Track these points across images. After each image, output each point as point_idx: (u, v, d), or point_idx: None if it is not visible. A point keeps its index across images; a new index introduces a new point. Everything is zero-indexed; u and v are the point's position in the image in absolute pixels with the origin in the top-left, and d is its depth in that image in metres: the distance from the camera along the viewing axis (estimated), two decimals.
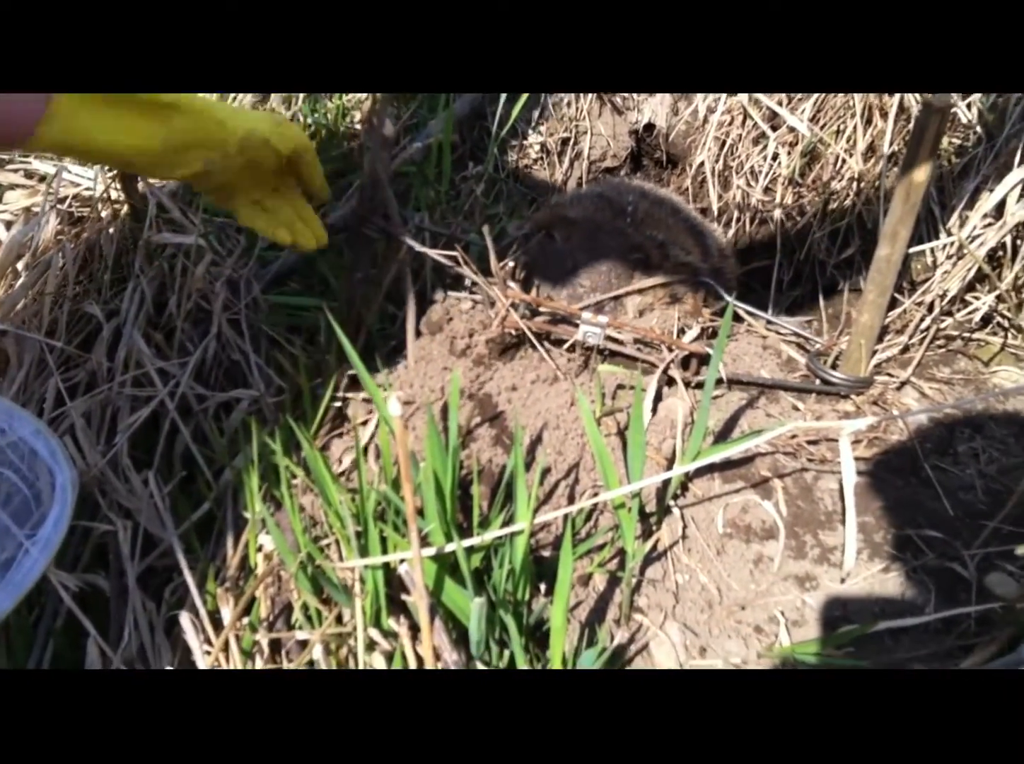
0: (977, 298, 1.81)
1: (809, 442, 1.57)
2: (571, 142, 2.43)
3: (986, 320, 1.83)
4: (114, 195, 1.97)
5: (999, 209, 1.74)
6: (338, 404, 1.60)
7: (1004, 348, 1.79)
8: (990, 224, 1.74)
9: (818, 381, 1.68)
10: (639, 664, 1.24)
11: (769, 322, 1.83)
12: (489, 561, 1.23)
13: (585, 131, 2.43)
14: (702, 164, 2.23)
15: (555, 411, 1.55)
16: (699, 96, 2.29)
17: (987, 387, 1.73)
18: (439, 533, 1.21)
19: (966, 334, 1.82)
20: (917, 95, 1.91)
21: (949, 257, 1.79)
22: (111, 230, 1.95)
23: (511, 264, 1.75)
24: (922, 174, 1.49)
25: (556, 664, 1.14)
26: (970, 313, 1.81)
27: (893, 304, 1.80)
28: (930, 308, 1.79)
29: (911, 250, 1.74)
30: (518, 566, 1.17)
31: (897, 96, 1.95)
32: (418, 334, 1.75)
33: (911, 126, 1.61)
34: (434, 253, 1.66)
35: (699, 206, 2.27)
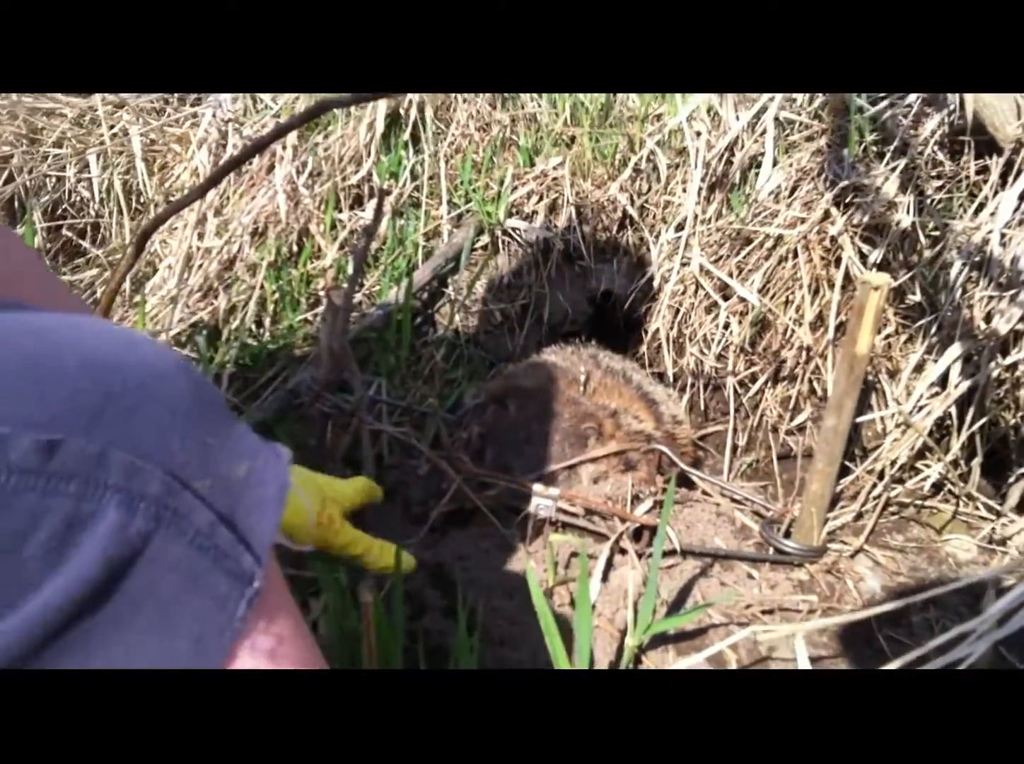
0: (928, 465, 1.83)
1: (764, 612, 1.56)
2: (530, 308, 2.49)
3: (937, 487, 1.85)
4: None
5: (944, 379, 1.78)
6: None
7: (955, 516, 1.81)
8: (936, 394, 1.78)
9: (771, 550, 1.68)
10: None
11: (724, 489, 1.84)
12: None
13: (544, 297, 2.49)
14: (657, 331, 2.29)
15: (509, 581, 1.54)
16: (654, 265, 2.37)
17: (940, 556, 1.73)
18: None
19: (918, 501, 1.83)
20: (861, 268, 1.98)
21: (898, 425, 1.83)
22: None
23: (464, 435, 1.77)
24: (864, 348, 1.53)
25: None
26: (921, 481, 1.83)
27: (845, 471, 1.82)
28: (880, 476, 1.81)
29: (860, 419, 1.77)
30: None
31: (843, 267, 2.03)
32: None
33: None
34: (389, 429, 1.69)
35: (655, 371, 2.31)
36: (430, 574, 1.57)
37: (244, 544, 0.56)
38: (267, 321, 2.34)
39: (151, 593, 0.52)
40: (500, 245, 2.52)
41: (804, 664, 1.24)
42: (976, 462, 1.82)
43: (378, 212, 1.69)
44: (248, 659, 0.57)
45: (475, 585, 1.53)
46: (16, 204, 2.71)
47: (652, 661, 1.45)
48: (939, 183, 2.05)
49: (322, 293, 2.43)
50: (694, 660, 1.32)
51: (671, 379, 2.25)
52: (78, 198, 2.80)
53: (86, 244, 2.71)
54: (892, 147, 2.07)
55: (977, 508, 1.81)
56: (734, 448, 2.12)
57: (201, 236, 2.47)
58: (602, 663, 1.42)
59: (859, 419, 1.78)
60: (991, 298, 1.78)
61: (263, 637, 0.58)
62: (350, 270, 2.21)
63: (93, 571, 0.49)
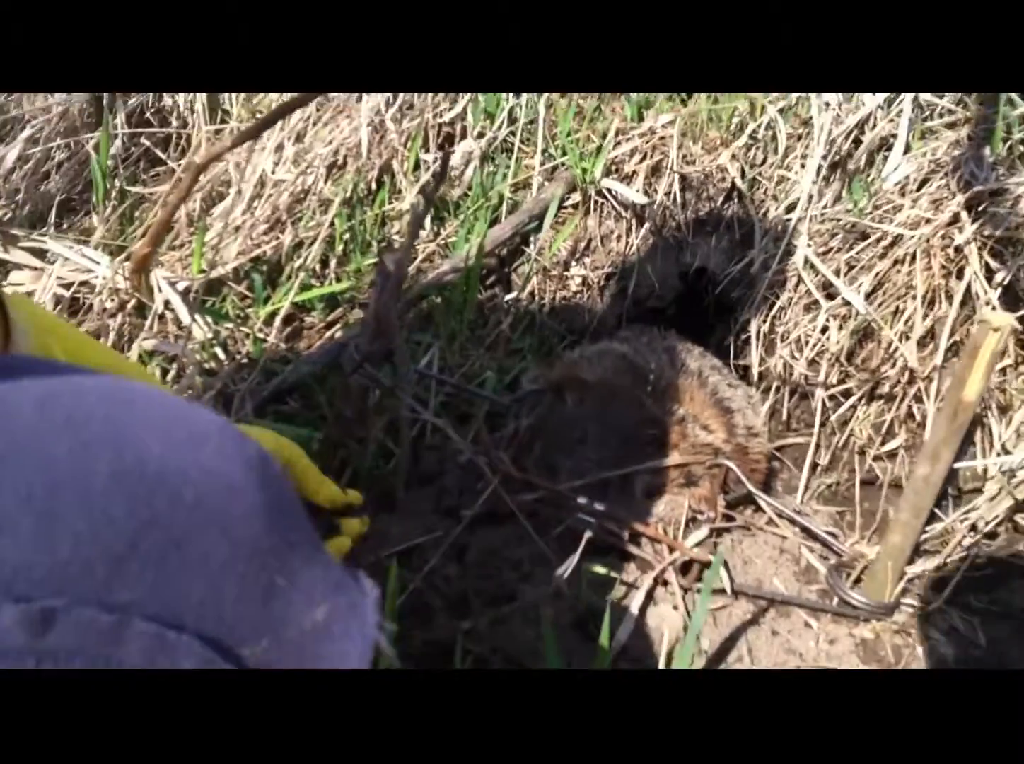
0: None
1: None
2: (615, 277, 2.30)
3: None
4: (121, 285, 1.89)
5: None
6: None
7: None
8: None
9: (836, 600, 1.50)
10: None
11: (794, 518, 1.65)
12: None
13: (632, 267, 2.29)
14: (748, 322, 2.08)
15: (527, 600, 1.40)
16: (756, 248, 2.15)
17: None
18: None
19: (1013, 557, 1.62)
20: (986, 286, 1.75)
21: (1004, 472, 1.61)
22: (110, 323, 1.86)
23: (512, 426, 1.61)
24: (972, 394, 1.33)
25: None
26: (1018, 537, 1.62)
27: (932, 517, 1.62)
28: (973, 528, 1.60)
29: (957, 465, 1.56)
30: None
31: (965, 282, 1.79)
32: (408, 484, 1.62)
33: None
34: (427, 417, 1.55)
35: (739, 364, 2.11)
36: (453, 559, 1.44)
37: None
38: (333, 263, 2.20)
39: None
40: (592, 206, 2.32)
41: None
42: None
43: (441, 174, 1.51)
44: None
45: (486, 597, 1.39)
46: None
47: None
48: None
49: (396, 237, 2.28)
50: None
51: (755, 378, 2.05)
52: (163, 106, 2.68)
53: (164, 156, 2.59)
54: None
55: None
56: (813, 466, 1.91)
57: (277, 164, 2.33)
58: None
59: (956, 465, 1.57)
60: None
61: None
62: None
63: None
